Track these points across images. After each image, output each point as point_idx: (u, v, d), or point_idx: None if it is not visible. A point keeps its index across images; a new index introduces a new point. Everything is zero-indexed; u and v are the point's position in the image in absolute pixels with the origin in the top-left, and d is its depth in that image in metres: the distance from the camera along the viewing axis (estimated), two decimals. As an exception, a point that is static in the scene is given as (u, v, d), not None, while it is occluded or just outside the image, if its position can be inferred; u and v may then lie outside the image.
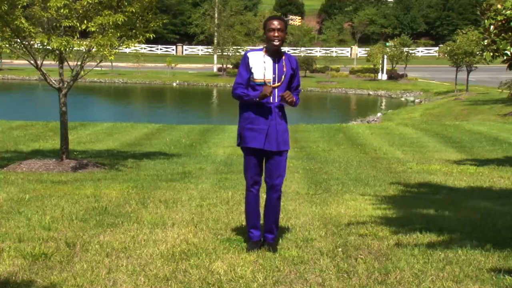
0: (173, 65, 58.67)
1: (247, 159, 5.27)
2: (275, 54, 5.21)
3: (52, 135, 17.31)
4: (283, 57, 5.24)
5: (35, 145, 15.02)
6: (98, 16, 10.34)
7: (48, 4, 10.13)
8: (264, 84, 5.15)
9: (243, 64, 5.22)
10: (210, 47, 71.66)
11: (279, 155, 5.24)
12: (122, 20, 10.21)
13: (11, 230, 5.82)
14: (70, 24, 10.36)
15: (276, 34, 5.12)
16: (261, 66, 5.17)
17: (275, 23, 5.13)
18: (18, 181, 8.94)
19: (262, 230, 5.42)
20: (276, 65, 5.19)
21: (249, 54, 5.23)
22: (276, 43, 5.13)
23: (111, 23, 10.22)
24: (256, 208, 5.35)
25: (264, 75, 5.16)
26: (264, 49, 5.24)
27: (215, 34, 63.28)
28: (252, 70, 5.17)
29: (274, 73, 5.18)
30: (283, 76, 5.20)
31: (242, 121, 5.26)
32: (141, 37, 10.92)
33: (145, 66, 61.34)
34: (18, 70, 58.60)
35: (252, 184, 5.29)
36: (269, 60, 5.19)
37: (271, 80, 5.17)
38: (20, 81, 55.38)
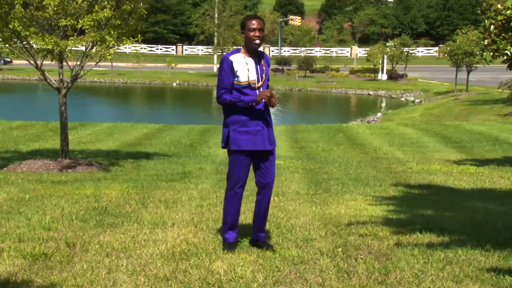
0: (173, 65, 58.74)
1: (239, 161, 5.17)
2: (255, 54, 5.20)
3: (52, 135, 17.32)
4: (261, 56, 5.26)
5: (35, 145, 15.03)
6: (89, 14, 10.34)
7: (44, 3, 10.12)
8: (248, 85, 5.11)
9: (226, 68, 5.11)
10: (210, 47, 71.73)
11: (272, 153, 5.25)
12: (110, 15, 10.18)
13: (11, 230, 5.82)
14: (67, 23, 10.33)
15: (258, 34, 5.10)
16: (244, 68, 5.13)
17: (255, 23, 5.11)
18: (18, 181, 8.94)
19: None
20: (258, 65, 5.19)
21: (231, 58, 5.14)
22: (258, 42, 5.11)
23: (103, 18, 10.20)
24: (239, 209, 5.32)
25: (248, 76, 5.12)
26: (242, 49, 5.19)
27: (215, 34, 63.34)
28: (238, 74, 5.12)
29: (257, 73, 5.16)
30: (263, 75, 5.20)
31: (231, 124, 5.14)
32: (137, 36, 10.90)
33: (145, 66, 61.38)
34: (18, 70, 58.66)
35: (240, 185, 5.23)
36: (250, 61, 5.16)
37: (256, 81, 5.15)
38: (20, 81, 55.41)
